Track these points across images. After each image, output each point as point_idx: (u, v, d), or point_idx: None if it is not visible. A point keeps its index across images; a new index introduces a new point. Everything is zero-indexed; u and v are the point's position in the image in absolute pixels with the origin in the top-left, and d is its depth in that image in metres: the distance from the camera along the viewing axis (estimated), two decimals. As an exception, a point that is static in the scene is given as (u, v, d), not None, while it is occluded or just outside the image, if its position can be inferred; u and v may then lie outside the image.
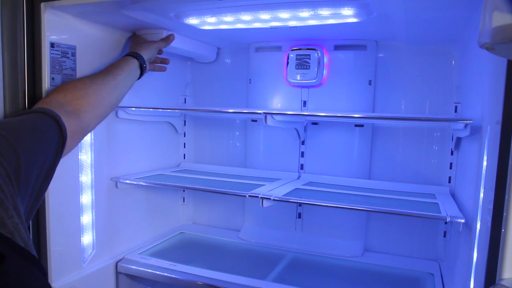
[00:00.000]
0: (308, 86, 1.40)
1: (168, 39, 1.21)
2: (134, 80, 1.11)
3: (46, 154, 0.71)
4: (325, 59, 1.36)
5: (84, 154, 1.14)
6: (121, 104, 1.27)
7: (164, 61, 1.29)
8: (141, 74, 1.14)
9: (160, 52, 1.23)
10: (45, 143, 0.72)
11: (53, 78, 1.01)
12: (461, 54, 1.25)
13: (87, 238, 1.17)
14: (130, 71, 1.08)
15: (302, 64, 1.36)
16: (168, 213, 1.60)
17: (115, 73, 1.02)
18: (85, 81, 0.95)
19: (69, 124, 0.79)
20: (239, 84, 1.57)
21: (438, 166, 1.33)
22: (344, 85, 1.37)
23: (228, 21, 1.11)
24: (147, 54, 1.15)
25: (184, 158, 1.69)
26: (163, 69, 1.30)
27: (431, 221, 1.32)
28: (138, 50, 1.14)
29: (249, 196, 1.13)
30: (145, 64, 1.13)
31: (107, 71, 1.03)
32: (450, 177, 1.31)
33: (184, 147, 1.69)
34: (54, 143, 0.75)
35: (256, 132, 1.52)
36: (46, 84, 0.99)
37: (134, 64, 1.10)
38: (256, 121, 1.51)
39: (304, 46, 1.36)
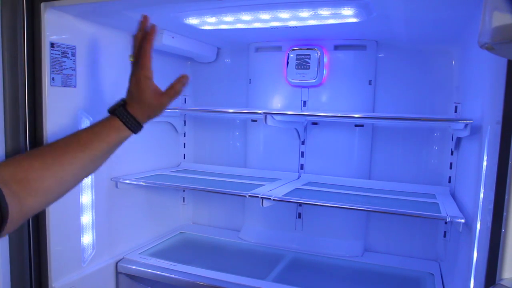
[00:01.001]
0: (308, 86, 1.40)
1: (179, 91, 0.87)
2: (116, 148, 0.82)
3: None
4: (325, 59, 1.36)
5: (84, 154, 1.14)
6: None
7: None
8: (136, 132, 0.83)
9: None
10: None
11: (53, 78, 1.01)
12: (461, 54, 1.25)
13: (87, 238, 1.17)
14: (117, 144, 0.80)
15: (302, 64, 1.36)
16: (168, 213, 1.60)
17: (93, 148, 0.76)
18: (46, 159, 0.71)
19: (12, 207, 0.63)
20: (239, 84, 1.57)
21: (438, 166, 1.33)
22: (344, 85, 1.37)
23: (228, 21, 1.11)
24: (149, 118, 0.84)
25: (184, 158, 1.69)
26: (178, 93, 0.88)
27: (431, 221, 1.32)
28: (137, 110, 0.80)
29: (249, 196, 1.13)
30: (139, 129, 0.83)
31: (83, 143, 0.75)
32: (450, 177, 1.31)
33: (184, 147, 1.68)
34: None
35: (256, 132, 1.52)
36: (46, 84, 0.99)
37: (124, 135, 0.80)
38: (256, 121, 1.51)
39: (304, 46, 1.36)
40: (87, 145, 0.75)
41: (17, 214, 0.65)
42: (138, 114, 0.81)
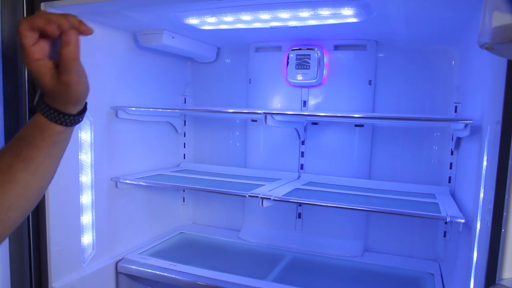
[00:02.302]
0: (308, 86, 1.40)
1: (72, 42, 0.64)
2: (65, 145, 0.65)
3: None
4: (325, 59, 1.36)
5: (84, 154, 1.14)
6: (121, 104, 1.28)
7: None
8: (76, 124, 0.64)
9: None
10: None
11: (53, 78, 1.01)
12: (461, 54, 1.25)
13: (87, 238, 1.17)
14: (53, 143, 0.61)
15: (302, 64, 1.36)
16: (168, 213, 1.60)
17: (26, 158, 0.59)
18: None
19: None
20: (239, 84, 1.57)
21: (438, 166, 1.33)
22: (344, 85, 1.37)
23: (228, 21, 1.11)
24: (76, 105, 0.62)
25: (184, 158, 1.69)
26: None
27: (431, 221, 1.32)
28: (58, 102, 0.60)
29: (249, 196, 1.13)
30: (80, 120, 0.64)
31: (14, 154, 0.59)
32: (450, 177, 1.31)
33: (184, 147, 1.68)
34: None
35: (256, 132, 1.52)
36: (46, 84, 0.99)
37: (54, 133, 0.61)
38: (256, 121, 1.51)
39: (304, 46, 1.36)
40: (17, 157, 0.59)
41: None
42: (58, 105, 0.61)
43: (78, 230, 1.13)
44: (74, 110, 0.63)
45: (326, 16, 1.02)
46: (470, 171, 1.00)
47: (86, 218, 1.16)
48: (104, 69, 1.20)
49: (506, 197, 0.66)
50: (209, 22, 1.13)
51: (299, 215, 1.46)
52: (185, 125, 1.67)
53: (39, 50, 0.59)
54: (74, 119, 0.63)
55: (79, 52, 0.64)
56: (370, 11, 0.97)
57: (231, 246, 1.46)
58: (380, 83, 1.38)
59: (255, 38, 1.44)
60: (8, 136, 0.95)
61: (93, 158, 1.17)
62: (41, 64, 0.59)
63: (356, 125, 1.37)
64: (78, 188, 1.12)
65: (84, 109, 0.65)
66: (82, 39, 0.67)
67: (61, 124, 0.61)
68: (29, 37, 0.57)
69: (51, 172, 0.63)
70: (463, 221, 0.93)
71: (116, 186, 1.27)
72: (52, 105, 0.61)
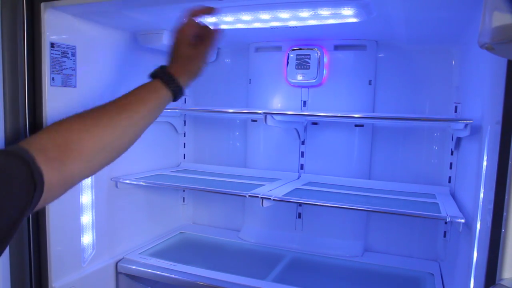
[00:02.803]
0: (308, 86, 1.40)
1: (212, 34, 0.86)
2: (160, 113, 0.81)
3: (5, 208, 0.55)
4: (325, 59, 1.36)
5: (84, 154, 1.14)
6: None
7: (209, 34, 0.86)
8: (175, 100, 0.83)
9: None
10: (5, 195, 0.55)
11: (53, 78, 1.01)
12: (461, 54, 1.25)
13: (87, 238, 1.17)
14: (157, 106, 0.79)
15: (302, 64, 1.36)
16: (168, 213, 1.60)
17: (133, 110, 0.75)
18: (86, 121, 0.71)
19: (49, 174, 0.61)
20: (239, 84, 1.57)
21: (438, 166, 1.33)
22: (344, 85, 1.37)
23: (228, 21, 1.11)
24: (190, 78, 0.83)
25: (184, 158, 1.69)
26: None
27: (431, 221, 1.32)
28: (177, 70, 0.81)
29: (249, 196, 1.13)
30: (181, 93, 0.82)
31: (122, 106, 0.75)
32: (450, 177, 1.31)
33: (184, 147, 1.68)
34: (20, 194, 0.57)
35: (256, 132, 1.52)
36: (46, 84, 0.99)
37: (164, 97, 0.79)
38: (256, 121, 1.51)
39: (304, 46, 1.36)
40: (125, 106, 0.74)
41: (57, 181, 0.63)
42: (178, 72, 0.81)
43: (78, 230, 1.13)
44: (184, 82, 0.81)
45: (326, 16, 1.02)
46: (470, 171, 1.00)
47: (86, 218, 1.16)
48: (104, 69, 1.20)
49: (506, 197, 0.67)
50: (209, 22, 1.13)
51: (299, 215, 1.46)
52: (185, 125, 1.67)
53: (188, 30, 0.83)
54: (179, 90, 0.80)
55: (215, 40, 0.86)
56: (370, 11, 0.97)
57: (231, 246, 1.46)
58: (380, 83, 1.38)
59: (255, 38, 1.44)
60: (8, 135, 0.95)
61: (93, 158, 1.16)
62: (189, 38, 0.83)
63: (356, 125, 1.37)
64: (78, 188, 1.12)
65: (182, 92, 0.82)
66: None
67: (170, 88, 0.79)
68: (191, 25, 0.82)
69: (141, 130, 0.77)
70: (463, 221, 0.93)
71: (116, 186, 1.27)
72: (173, 73, 0.79)
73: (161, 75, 0.79)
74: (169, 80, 0.79)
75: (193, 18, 0.83)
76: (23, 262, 1.00)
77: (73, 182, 0.68)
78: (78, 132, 0.68)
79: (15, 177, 0.57)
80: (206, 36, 0.85)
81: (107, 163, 0.73)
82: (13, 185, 0.56)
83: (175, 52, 0.83)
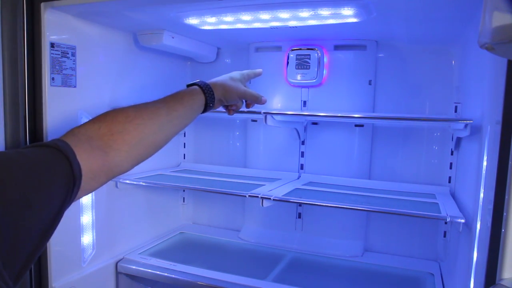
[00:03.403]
0: (308, 86, 1.40)
1: (259, 100, 1.03)
2: (194, 117, 0.88)
3: (47, 202, 0.58)
4: (325, 59, 1.36)
5: (84, 154, 1.14)
6: (121, 104, 1.27)
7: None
8: (205, 111, 0.90)
9: (247, 105, 1.06)
10: (45, 189, 0.57)
11: (53, 78, 1.01)
12: (461, 54, 1.25)
13: (87, 238, 1.17)
14: (192, 108, 0.86)
15: (302, 64, 1.36)
16: (168, 213, 1.60)
17: (171, 107, 0.81)
18: (129, 113, 0.75)
19: (92, 162, 0.64)
20: (239, 84, 1.57)
21: (438, 166, 1.33)
22: (344, 85, 1.37)
23: (228, 21, 1.11)
24: (223, 95, 0.93)
25: (184, 158, 1.69)
26: (230, 113, 1.04)
27: (431, 221, 1.32)
28: (218, 86, 0.91)
29: (249, 196, 1.13)
30: (212, 103, 0.90)
31: (163, 102, 0.82)
32: (450, 177, 1.31)
33: (184, 147, 1.68)
34: (60, 187, 0.60)
35: (256, 132, 1.52)
36: (46, 84, 0.99)
37: (199, 100, 0.87)
38: (256, 121, 1.51)
39: (304, 46, 1.36)
40: (165, 103, 0.81)
41: (99, 169, 0.66)
42: (217, 88, 0.91)
43: (78, 230, 1.13)
44: (216, 104, 0.93)
45: (326, 16, 1.02)
46: (470, 171, 1.00)
47: (86, 218, 1.16)
48: (104, 69, 1.20)
49: (506, 197, 0.67)
50: (209, 22, 1.13)
51: (299, 215, 1.46)
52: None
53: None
54: (212, 99, 0.89)
55: (260, 100, 1.04)
56: (370, 11, 0.97)
57: (231, 246, 1.46)
58: (380, 83, 1.38)
59: (255, 38, 1.44)
60: (9, 136, 0.95)
61: (93, 158, 1.16)
62: (244, 79, 1.00)
63: (356, 125, 1.37)
64: (78, 188, 1.12)
65: (213, 103, 0.90)
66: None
67: (206, 94, 0.88)
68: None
69: (177, 128, 0.84)
70: (463, 221, 0.93)
71: (116, 186, 1.27)
72: (212, 87, 0.90)
73: (201, 84, 0.89)
74: (206, 88, 0.88)
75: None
76: (23, 262, 1.00)
77: (114, 172, 0.72)
78: (122, 122, 0.73)
79: (55, 172, 0.59)
80: (259, 96, 1.03)
81: (146, 156, 0.79)
82: (54, 180, 0.58)
83: (230, 75, 0.97)
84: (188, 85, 0.91)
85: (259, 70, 1.07)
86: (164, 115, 0.79)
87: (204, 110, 0.90)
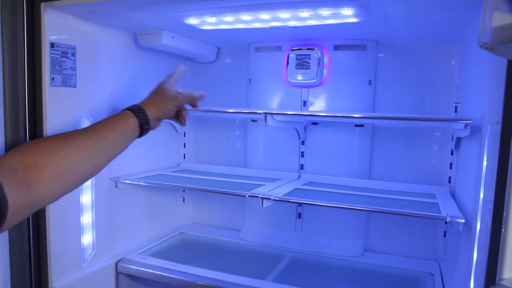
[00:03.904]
0: (308, 86, 1.40)
1: (195, 98, 0.99)
2: (129, 142, 0.84)
3: None
4: (325, 59, 1.36)
5: (84, 154, 1.14)
6: (120, 104, 1.27)
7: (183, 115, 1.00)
8: (141, 135, 0.87)
9: (193, 106, 1.03)
10: None
11: (53, 78, 1.01)
12: (461, 54, 1.25)
13: (87, 238, 1.17)
14: (124, 133, 0.82)
15: (302, 64, 1.36)
16: (168, 213, 1.60)
17: (101, 135, 0.77)
18: (55, 143, 0.72)
19: (16, 196, 0.61)
20: (239, 84, 1.57)
21: (438, 166, 1.33)
22: (344, 85, 1.37)
23: (228, 21, 1.11)
24: (157, 112, 0.89)
25: (184, 158, 1.69)
26: (182, 123, 1.02)
27: (431, 221, 1.32)
28: (148, 104, 0.87)
29: (249, 196, 1.13)
30: (148, 125, 0.86)
31: (92, 130, 0.78)
32: (450, 177, 1.31)
33: (184, 147, 1.68)
34: None
35: (256, 132, 1.52)
36: (46, 84, 0.99)
37: (131, 124, 0.83)
38: (256, 121, 1.51)
39: (304, 46, 1.36)
40: (94, 131, 0.77)
41: (23, 203, 0.63)
42: (147, 106, 0.87)
43: (78, 230, 1.13)
44: (151, 114, 0.87)
45: (326, 16, 1.02)
46: (470, 171, 1.00)
47: (86, 218, 1.16)
48: (104, 69, 1.19)
49: (506, 197, 0.66)
50: (209, 22, 1.13)
51: (299, 215, 1.46)
52: (185, 125, 1.66)
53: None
54: (146, 121, 0.85)
55: (194, 103, 1.02)
56: (370, 11, 0.97)
57: (231, 246, 1.46)
58: (380, 83, 1.38)
59: (255, 38, 1.44)
60: (9, 136, 0.95)
61: (93, 158, 1.16)
62: (171, 84, 0.95)
63: (356, 125, 1.37)
64: (78, 188, 1.11)
65: (149, 126, 0.87)
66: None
67: (139, 118, 0.84)
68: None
69: (108, 156, 0.79)
70: (463, 221, 0.93)
71: (116, 186, 1.27)
72: (143, 107, 0.86)
73: (131, 106, 0.86)
74: (137, 110, 0.84)
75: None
76: (23, 262, 1.00)
77: (39, 204, 0.68)
78: (47, 154, 0.69)
79: None
80: (192, 93, 0.99)
81: (73, 187, 0.75)
82: None
83: (155, 90, 0.93)
84: (124, 109, 0.86)
85: (181, 66, 1.01)
86: (93, 144, 0.75)
87: (141, 133, 0.86)
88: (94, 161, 0.76)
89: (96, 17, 1.09)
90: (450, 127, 1.24)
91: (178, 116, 0.98)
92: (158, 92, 0.92)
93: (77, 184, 0.76)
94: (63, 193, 0.73)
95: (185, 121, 1.00)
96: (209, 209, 1.68)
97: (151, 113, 0.86)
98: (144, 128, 0.85)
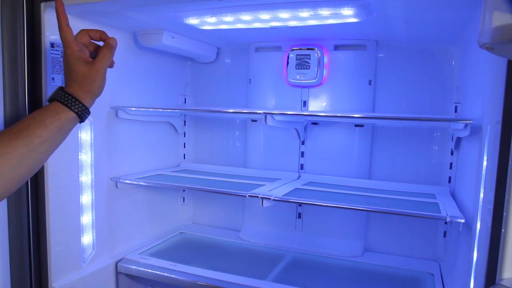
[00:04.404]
0: (308, 86, 1.40)
1: (109, 48, 0.81)
2: (66, 135, 0.74)
3: None
4: (325, 59, 1.36)
5: (84, 154, 1.14)
6: (121, 104, 1.28)
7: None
8: (82, 121, 0.76)
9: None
10: None
11: (53, 78, 1.01)
12: (461, 54, 1.25)
13: (87, 238, 1.17)
14: (60, 129, 0.71)
15: (302, 64, 1.36)
16: (168, 213, 1.60)
17: (31, 134, 0.66)
18: None
19: None
20: (239, 84, 1.57)
21: (438, 166, 1.33)
22: (344, 85, 1.37)
23: (228, 21, 1.11)
24: (93, 96, 0.77)
25: (184, 158, 1.69)
26: (111, 65, 0.85)
27: (431, 221, 1.32)
28: (77, 90, 0.74)
29: (249, 196, 1.13)
30: (88, 113, 0.76)
31: (19, 130, 0.67)
32: (450, 177, 1.31)
33: (184, 147, 1.68)
34: None
35: (256, 132, 1.52)
36: (46, 84, 0.99)
37: (66, 118, 0.72)
38: (256, 121, 1.51)
39: (304, 46, 1.36)
40: (21, 132, 0.66)
41: None
42: (78, 92, 0.74)
43: (78, 230, 1.13)
44: (87, 101, 0.75)
45: (326, 16, 1.02)
46: (470, 171, 1.00)
47: (86, 218, 1.16)
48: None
49: (506, 197, 0.66)
50: (209, 22, 1.13)
51: (299, 215, 1.46)
52: (185, 125, 1.67)
53: (79, 45, 0.76)
54: (84, 110, 0.74)
55: (112, 53, 0.81)
56: (370, 11, 0.97)
57: (231, 246, 1.46)
58: (380, 83, 1.38)
59: (255, 38, 1.44)
60: (8, 136, 0.95)
61: (93, 158, 1.17)
62: (78, 54, 0.75)
63: (356, 125, 1.37)
64: (78, 188, 1.12)
65: (88, 112, 0.76)
66: None
67: (73, 110, 0.72)
68: (69, 31, 0.75)
69: (43, 157, 0.69)
70: (463, 221, 0.93)
71: (116, 186, 1.27)
72: (72, 93, 0.73)
73: (60, 97, 0.72)
74: (70, 102, 0.72)
75: (84, 34, 0.78)
76: (23, 262, 1.00)
77: None
78: None
79: None
80: (101, 49, 0.79)
81: (6, 194, 0.67)
82: None
83: (69, 71, 0.75)
84: (49, 98, 0.74)
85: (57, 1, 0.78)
86: (22, 146, 0.65)
87: (81, 120, 0.75)
88: (27, 163, 0.66)
89: (96, 17, 1.09)
90: (450, 127, 1.24)
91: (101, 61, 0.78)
92: (76, 70, 0.75)
93: (11, 190, 0.67)
94: None
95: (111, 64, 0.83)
96: (209, 209, 1.68)
97: (86, 100, 0.74)
98: (84, 117, 0.75)
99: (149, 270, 1.21)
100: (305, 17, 1.04)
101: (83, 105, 0.74)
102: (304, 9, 0.98)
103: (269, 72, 1.46)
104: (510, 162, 0.66)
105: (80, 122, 0.75)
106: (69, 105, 0.72)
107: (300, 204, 1.45)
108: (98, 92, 0.78)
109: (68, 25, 0.75)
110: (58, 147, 0.72)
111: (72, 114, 0.72)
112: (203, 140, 1.68)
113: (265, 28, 1.17)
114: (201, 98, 1.65)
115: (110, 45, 0.80)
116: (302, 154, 1.46)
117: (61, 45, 1.02)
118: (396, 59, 1.36)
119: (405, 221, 1.37)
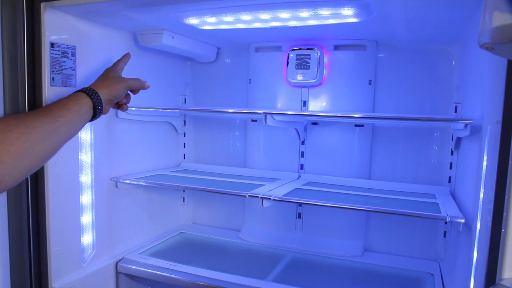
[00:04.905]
0: (308, 86, 1.40)
1: (142, 82, 1.03)
2: (83, 123, 0.87)
3: None
4: (325, 59, 1.36)
5: (84, 154, 1.14)
6: (121, 104, 1.27)
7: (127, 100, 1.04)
8: (94, 117, 0.89)
9: (133, 92, 1.03)
10: None
11: (53, 78, 1.01)
12: (461, 54, 1.25)
13: (87, 238, 1.17)
14: (79, 113, 0.83)
15: (302, 64, 1.36)
16: (168, 213, 1.60)
17: (56, 114, 0.78)
18: (9, 122, 0.70)
19: None
20: (239, 84, 1.57)
21: (438, 166, 1.33)
22: (344, 85, 1.37)
23: (228, 21, 1.11)
24: (109, 94, 0.92)
25: (184, 158, 1.69)
26: (123, 109, 1.04)
27: (431, 221, 1.32)
28: (99, 86, 0.91)
29: (249, 196, 1.13)
30: (101, 106, 0.89)
31: (46, 110, 0.79)
32: (450, 177, 1.31)
33: (184, 147, 1.68)
34: None
35: (256, 132, 1.52)
36: (46, 84, 0.99)
37: (85, 104, 0.85)
38: (256, 121, 1.51)
39: (304, 46, 1.36)
40: (48, 111, 0.78)
41: None
42: (100, 89, 0.90)
43: (78, 230, 1.13)
44: (104, 96, 0.91)
45: (326, 16, 1.02)
46: (470, 171, 1.00)
47: (86, 218, 1.16)
48: (104, 69, 1.19)
49: (506, 197, 0.67)
50: (209, 22, 1.13)
51: (299, 215, 1.46)
52: (185, 125, 1.67)
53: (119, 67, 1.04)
54: (99, 101, 0.89)
55: (142, 85, 1.05)
56: (370, 11, 0.97)
57: (231, 246, 1.46)
58: (380, 83, 1.38)
59: (255, 38, 1.44)
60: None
61: (93, 158, 1.17)
62: (119, 73, 1.02)
63: (356, 125, 1.37)
64: (78, 188, 1.12)
65: (102, 105, 0.90)
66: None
67: (92, 98, 0.87)
68: (122, 65, 1.05)
69: (64, 136, 0.80)
70: (463, 221, 0.93)
71: (116, 186, 1.27)
72: (95, 88, 0.90)
73: (83, 89, 0.89)
74: (90, 91, 0.88)
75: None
76: (23, 262, 1.00)
77: (2, 185, 0.68)
78: (2, 132, 0.68)
79: None
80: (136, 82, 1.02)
81: (33, 169, 0.74)
82: None
83: (103, 77, 0.97)
84: (75, 92, 0.89)
85: (127, 53, 1.08)
86: (49, 122, 0.76)
87: (94, 116, 0.88)
88: (51, 140, 0.76)
89: (96, 17, 1.09)
90: (450, 127, 1.24)
91: (121, 101, 1.01)
92: (108, 76, 0.96)
93: (37, 165, 0.75)
94: (24, 176, 0.73)
95: (127, 107, 1.04)
96: (209, 209, 1.68)
97: (103, 94, 0.90)
98: (97, 109, 0.88)
99: (149, 270, 1.21)
100: (305, 17, 1.04)
101: (100, 98, 0.89)
102: (304, 9, 0.98)
103: (269, 72, 1.46)
104: (510, 162, 0.66)
105: (92, 118, 0.88)
106: (89, 93, 0.87)
107: (300, 204, 1.45)
108: (115, 94, 0.94)
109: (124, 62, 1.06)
110: (73, 135, 0.84)
111: (90, 102, 0.86)
112: (203, 140, 1.68)
113: (265, 28, 1.17)
114: (201, 98, 1.65)
115: (144, 84, 1.04)
116: (302, 154, 1.46)
117: (61, 45, 1.02)
118: (396, 59, 1.36)
119: (405, 221, 1.37)
